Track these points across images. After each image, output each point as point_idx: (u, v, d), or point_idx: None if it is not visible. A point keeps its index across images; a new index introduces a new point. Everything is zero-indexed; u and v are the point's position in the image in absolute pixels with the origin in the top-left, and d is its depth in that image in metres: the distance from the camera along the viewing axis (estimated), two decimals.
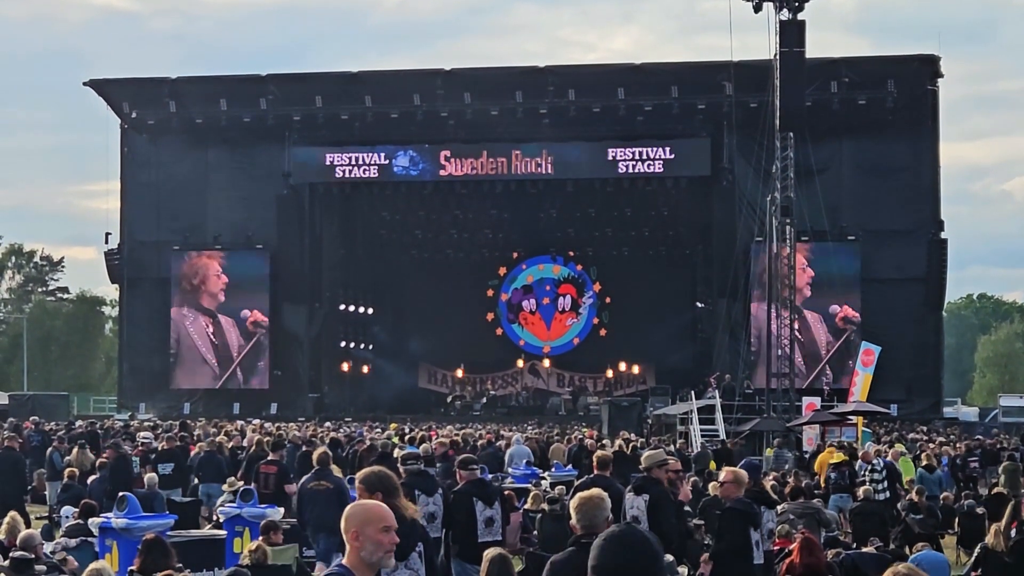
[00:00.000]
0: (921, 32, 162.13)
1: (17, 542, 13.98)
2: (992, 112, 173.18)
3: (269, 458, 21.91)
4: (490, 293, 69.68)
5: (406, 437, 31.38)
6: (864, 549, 18.24)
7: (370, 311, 66.20)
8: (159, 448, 26.74)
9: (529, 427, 46.40)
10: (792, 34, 43.63)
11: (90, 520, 17.34)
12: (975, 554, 16.52)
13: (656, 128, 55.12)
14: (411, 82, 56.55)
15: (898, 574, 5.82)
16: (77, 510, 18.46)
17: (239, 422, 44.16)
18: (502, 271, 69.65)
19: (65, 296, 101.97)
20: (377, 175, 57.33)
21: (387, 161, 56.94)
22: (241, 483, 21.07)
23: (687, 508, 17.45)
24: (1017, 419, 57.88)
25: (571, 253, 68.76)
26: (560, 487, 22.42)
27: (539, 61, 68.78)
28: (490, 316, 69.73)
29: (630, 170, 55.31)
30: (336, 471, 18.01)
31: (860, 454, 26.99)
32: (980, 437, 43.42)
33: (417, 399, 65.55)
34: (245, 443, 30.61)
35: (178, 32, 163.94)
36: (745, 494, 12.88)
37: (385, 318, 67.37)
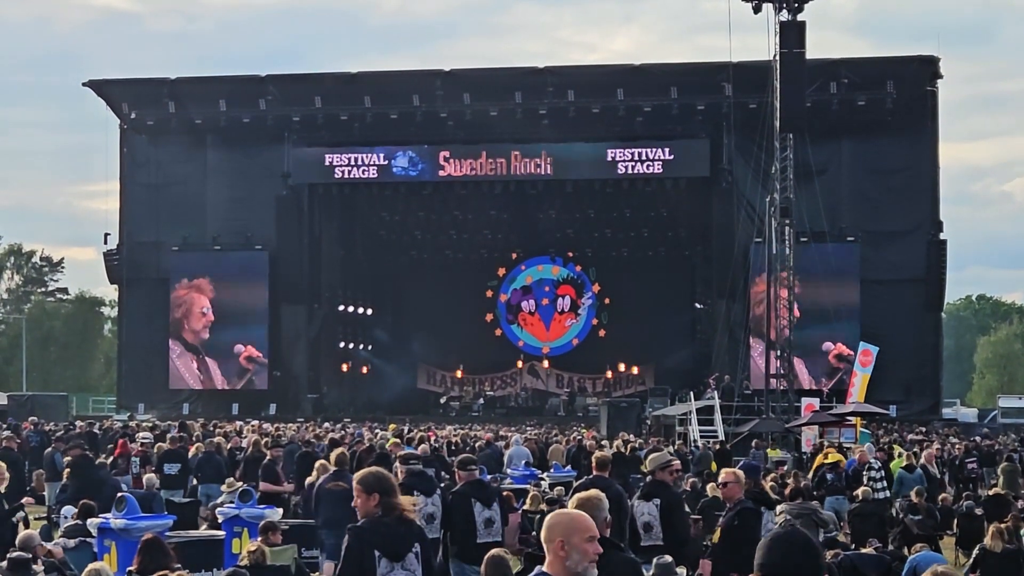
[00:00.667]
0: (921, 33, 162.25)
1: (16, 542, 13.97)
2: (992, 113, 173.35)
3: (268, 457, 21.97)
4: (489, 294, 69.69)
5: (404, 438, 31.38)
6: (863, 550, 18.25)
7: (369, 312, 66.19)
8: (165, 449, 26.72)
9: (528, 428, 46.41)
10: (792, 35, 43.61)
11: (89, 521, 17.33)
12: (974, 555, 16.55)
13: (655, 129, 55.12)
14: (410, 83, 56.56)
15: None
16: (76, 510, 18.44)
17: (238, 423, 44.19)
18: (501, 272, 69.65)
19: (64, 296, 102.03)
20: (376, 176, 57.34)
21: (386, 162, 56.94)
22: (240, 484, 21.07)
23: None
24: (1016, 420, 57.95)
25: (570, 254, 68.76)
26: (559, 488, 22.45)
27: (540, 62, 68.96)
28: (489, 317, 69.74)
29: (629, 171, 55.32)
30: None
31: (858, 456, 26.95)
32: (976, 438, 43.42)
33: (416, 400, 65.55)
34: (244, 444, 30.63)
35: (178, 33, 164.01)
36: (745, 495, 12.87)
37: (384, 319, 67.36)
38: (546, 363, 68.85)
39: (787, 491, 19.84)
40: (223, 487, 22.29)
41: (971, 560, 16.69)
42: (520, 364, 68.80)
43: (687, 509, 17.03)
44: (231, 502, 19.21)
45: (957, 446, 38.57)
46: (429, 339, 66.75)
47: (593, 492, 8.53)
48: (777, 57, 43.84)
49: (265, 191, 57.59)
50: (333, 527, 15.81)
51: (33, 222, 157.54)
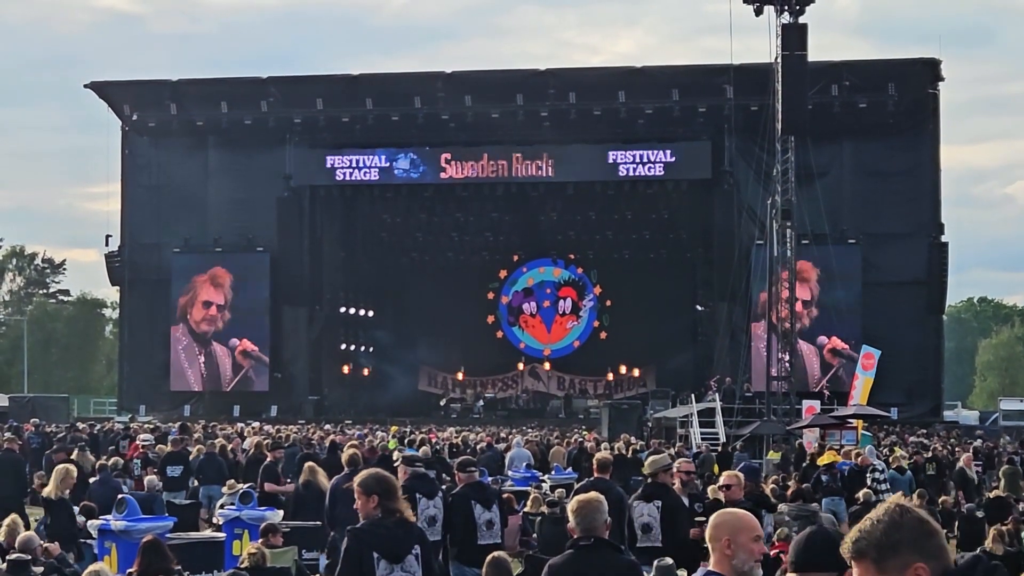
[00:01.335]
0: (922, 35, 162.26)
1: (16, 544, 13.97)
2: (995, 115, 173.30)
3: (268, 460, 21.97)
4: (490, 296, 69.71)
5: (406, 440, 31.40)
6: None
7: (370, 314, 66.17)
8: (168, 451, 26.72)
9: (529, 430, 46.41)
10: (793, 37, 43.59)
11: (89, 522, 17.33)
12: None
13: (657, 131, 55.13)
14: (412, 85, 56.58)
15: (1002, 532, 6.09)
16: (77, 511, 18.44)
17: (239, 424, 44.20)
18: (502, 274, 69.67)
19: (66, 298, 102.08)
20: (378, 178, 57.35)
21: (388, 164, 56.95)
22: (241, 485, 21.07)
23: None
24: (1017, 423, 57.90)
25: (571, 256, 68.78)
26: (560, 490, 22.42)
27: (542, 64, 68.97)
28: (490, 319, 69.76)
29: (631, 173, 55.35)
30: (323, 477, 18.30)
31: (859, 459, 26.94)
32: (970, 442, 43.38)
33: (417, 402, 65.52)
34: (245, 445, 30.65)
35: (181, 34, 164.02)
36: (745, 497, 12.87)
37: (385, 321, 67.33)
38: (547, 365, 68.83)
39: (788, 492, 19.88)
40: (224, 489, 22.29)
41: None
42: (521, 366, 68.79)
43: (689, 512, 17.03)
44: (232, 504, 19.21)
45: (957, 448, 38.53)
46: (430, 341, 66.76)
47: (593, 494, 8.54)
48: (778, 59, 43.82)
49: (266, 193, 57.59)
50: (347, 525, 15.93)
51: (35, 224, 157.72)
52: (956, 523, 23.22)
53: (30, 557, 13.42)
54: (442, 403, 65.32)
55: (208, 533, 19.40)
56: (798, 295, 47.01)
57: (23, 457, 26.21)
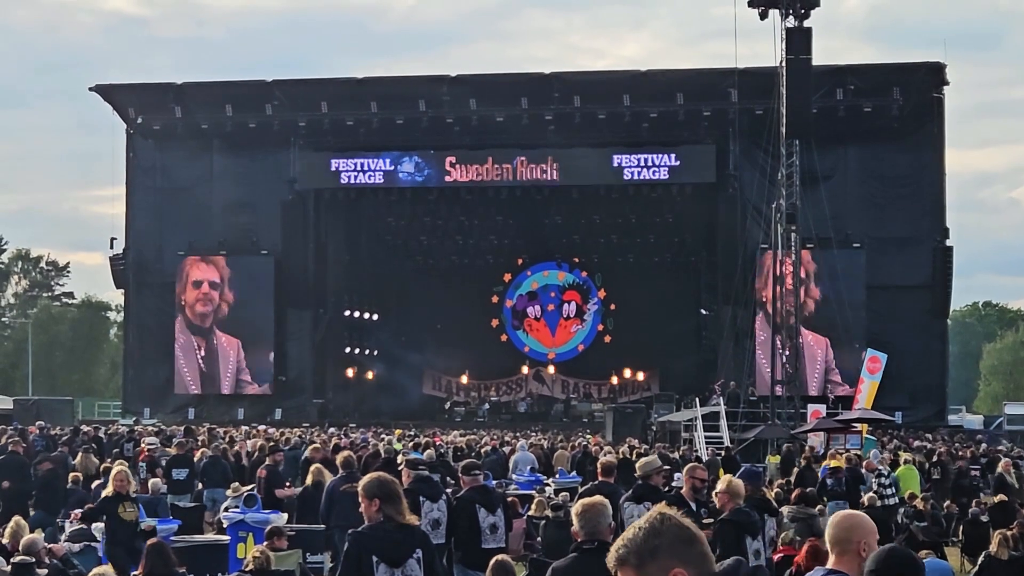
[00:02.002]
0: (928, 39, 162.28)
1: (20, 547, 13.99)
2: (1001, 120, 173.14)
3: (266, 463, 21.99)
4: (495, 299, 69.69)
5: (410, 443, 31.41)
6: None
7: (375, 317, 66.16)
8: (173, 454, 26.73)
9: (533, 433, 46.40)
10: (798, 41, 43.61)
11: (93, 525, 17.35)
12: (979, 562, 16.53)
13: (661, 135, 55.13)
14: (416, 88, 56.61)
15: (1007, 537, 6.45)
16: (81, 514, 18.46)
17: (243, 427, 44.22)
18: (507, 277, 69.65)
19: (71, 301, 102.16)
20: (382, 181, 57.38)
21: (392, 167, 56.99)
22: (245, 488, 21.09)
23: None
24: (1022, 427, 57.78)
25: (576, 259, 68.77)
26: (564, 493, 22.44)
27: (549, 68, 68.98)
28: (495, 322, 69.75)
29: (635, 177, 55.37)
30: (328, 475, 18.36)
31: (864, 463, 26.94)
32: (982, 445, 43.37)
33: (421, 405, 65.51)
34: (248, 448, 30.67)
35: (186, 38, 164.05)
36: (746, 502, 12.84)
37: (390, 324, 67.32)
38: (552, 369, 68.81)
39: (793, 496, 19.88)
40: (228, 492, 22.31)
41: (977, 567, 16.67)
42: (526, 370, 68.77)
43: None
44: (236, 507, 19.23)
45: (960, 453, 38.52)
46: (434, 344, 66.75)
47: (598, 498, 8.54)
48: (783, 63, 43.83)
49: (271, 196, 57.64)
50: (346, 529, 15.97)
51: (40, 226, 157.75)
52: (961, 527, 23.20)
53: (34, 559, 13.44)
54: (447, 406, 65.31)
55: (212, 536, 19.43)
56: (803, 299, 46.94)
57: (28, 460, 26.23)
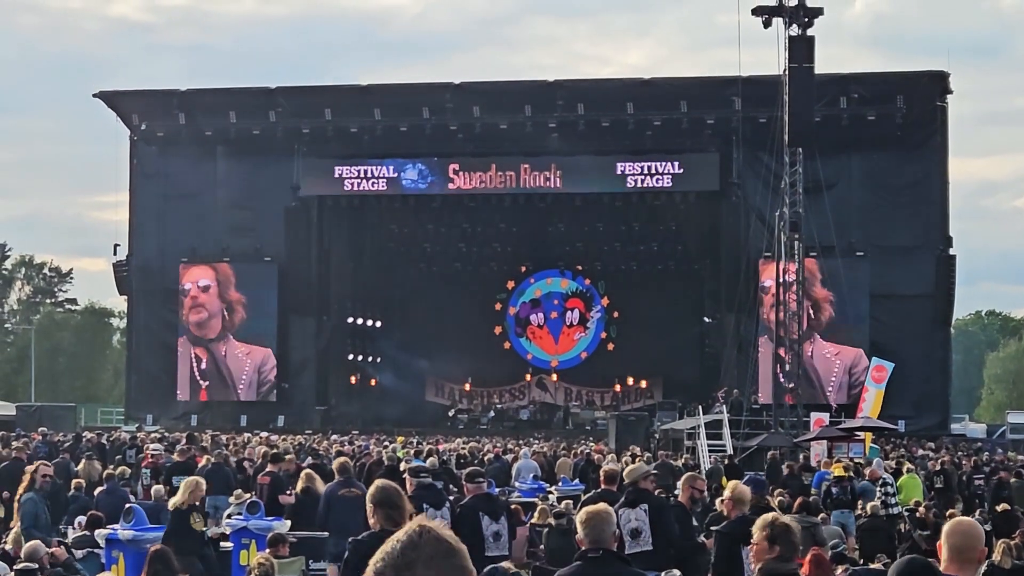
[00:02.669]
0: (932, 48, 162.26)
1: (22, 553, 13.99)
2: (1005, 128, 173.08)
3: (267, 470, 21.98)
4: (498, 307, 69.73)
5: (412, 451, 31.38)
6: (871, 565, 18.20)
7: (378, 324, 66.20)
8: (174, 461, 26.72)
9: (536, 441, 46.40)
10: (801, 50, 43.60)
11: (97, 531, 17.36)
12: (982, 572, 16.48)
13: (665, 142, 55.15)
14: (420, 95, 56.65)
15: (1010, 547, 6.58)
16: (84, 520, 18.46)
17: (246, 434, 44.22)
18: (510, 285, 69.69)
19: (74, 307, 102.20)
20: (386, 188, 57.41)
21: (396, 174, 57.02)
22: (248, 495, 21.08)
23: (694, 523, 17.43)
24: None
25: (579, 267, 68.81)
26: (567, 501, 22.41)
27: (554, 75, 68.93)
28: (498, 330, 69.77)
29: (639, 184, 55.38)
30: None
31: (867, 472, 26.92)
32: (985, 454, 43.31)
33: (424, 412, 65.51)
34: (248, 454, 30.66)
35: (191, 44, 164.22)
36: (751, 510, 12.82)
37: (393, 331, 67.36)
38: (555, 376, 68.82)
39: (795, 504, 19.88)
40: (231, 499, 22.30)
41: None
42: (529, 377, 68.79)
43: (695, 524, 17.02)
44: (239, 514, 19.22)
45: (964, 462, 38.46)
46: (438, 352, 66.72)
47: (602, 506, 8.55)
48: (786, 72, 43.83)
49: (274, 203, 57.65)
50: (343, 534, 16.02)
51: (43, 233, 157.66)
52: None
53: (37, 566, 13.44)
54: (451, 413, 65.30)
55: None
56: (806, 306, 46.94)
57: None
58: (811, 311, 50.92)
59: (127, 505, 17.92)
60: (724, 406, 45.76)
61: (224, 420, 55.41)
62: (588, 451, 37.45)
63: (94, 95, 59.73)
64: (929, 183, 54.82)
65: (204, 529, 16.74)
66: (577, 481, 29.13)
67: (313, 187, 58.03)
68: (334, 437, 44.64)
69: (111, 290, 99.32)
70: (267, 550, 15.55)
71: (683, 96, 54.61)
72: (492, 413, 64.64)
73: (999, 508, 25.26)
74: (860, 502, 24.87)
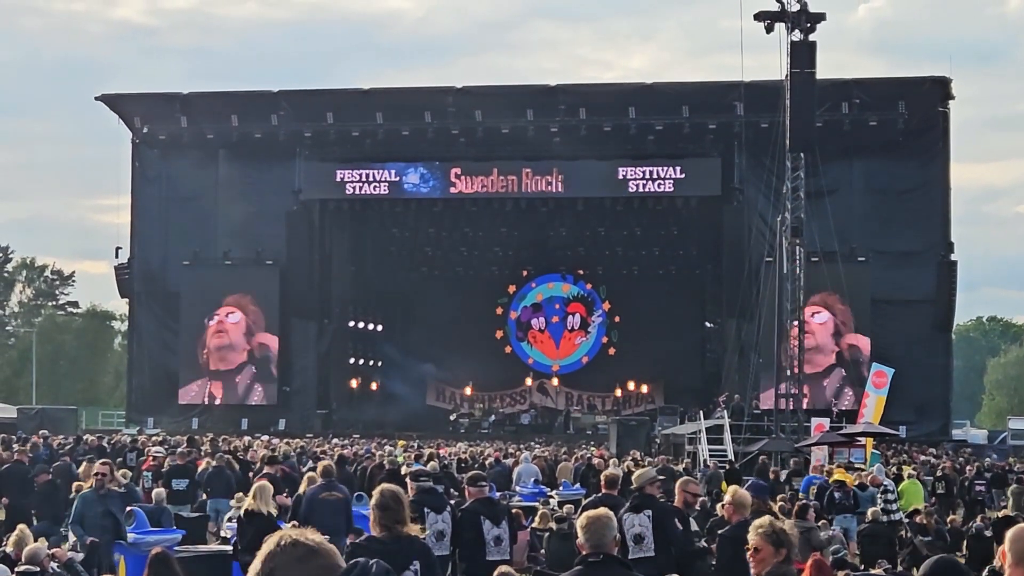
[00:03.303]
0: (935, 54, 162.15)
1: (23, 555, 13.99)
2: (1007, 134, 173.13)
3: (264, 471, 21.97)
4: (499, 311, 69.73)
5: (413, 455, 31.39)
6: (872, 571, 18.19)
7: (379, 328, 66.22)
8: (173, 464, 26.70)
9: (536, 445, 46.39)
10: (803, 55, 43.57)
11: None
12: None
13: (667, 147, 55.17)
14: (422, 99, 56.67)
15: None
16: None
17: (246, 437, 44.20)
18: (511, 289, 69.69)
19: (75, 310, 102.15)
20: (387, 192, 57.44)
21: (397, 178, 57.03)
22: (249, 499, 21.06)
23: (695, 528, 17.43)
24: None
25: (580, 271, 68.81)
26: (568, 506, 22.41)
27: (557, 79, 68.98)
28: (499, 334, 69.77)
29: (640, 189, 55.39)
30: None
31: (870, 478, 26.90)
32: (987, 460, 43.27)
33: (425, 416, 65.46)
34: (250, 457, 30.63)
35: (196, 47, 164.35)
36: (752, 515, 12.81)
37: (394, 335, 67.37)
38: (556, 381, 68.80)
39: (795, 508, 19.88)
40: (232, 502, 22.29)
41: None
42: (529, 382, 68.76)
43: (696, 529, 17.03)
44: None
45: (966, 467, 38.45)
46: (439, 356, 66.71)
47: (603, 510, 8.55)
48: (788, 77, 43.81)
49: (276, 206, 57.68)
50: (327, 536, 16.07)
51: (45, 235, 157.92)
52: (965, 542, 23.16)
53: (38, 568, 13.44)
54: (452, 417, 65.28)
55: (216, 546, 19.41)
56: (808, 312, 46.91)
57: (30, 469, 26.22)
58: (812, 315, 50.88)
59: (128, 508, 17.91)
60: (725, 411, 45.75)
61: (225, 423, 55.39)
62: (589, 456, 37.44)
63: (96, 98, 59.82)
64: (931, 189, 54.85)
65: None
66: (578, 485, 29.14)
67: (315, 191, 58.07)
68: (335, 441, 44.63)
69: (112, 293, 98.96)
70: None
71: (685, 101, 54.63)
72: (493, 417, 64.61)
73: (1000, 514, 25.26)
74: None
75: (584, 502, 16.53)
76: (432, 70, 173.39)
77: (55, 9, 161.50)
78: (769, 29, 43.51)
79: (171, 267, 58.73)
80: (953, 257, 54.74)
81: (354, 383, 64.01)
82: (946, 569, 5.78)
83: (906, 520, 24.52)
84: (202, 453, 31.27)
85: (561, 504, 24.03)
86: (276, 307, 58.19)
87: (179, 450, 29.55)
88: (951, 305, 55.08)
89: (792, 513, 19.68)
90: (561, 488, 28.59)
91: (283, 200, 57.78)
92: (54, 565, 14.52)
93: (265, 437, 43.95)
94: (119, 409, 71.80)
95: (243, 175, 58.20)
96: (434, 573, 9.27)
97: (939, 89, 54.11)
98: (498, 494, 21.56)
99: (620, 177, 55.50)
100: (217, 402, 58.23)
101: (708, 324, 61.94)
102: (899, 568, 19.97)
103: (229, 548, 18.06)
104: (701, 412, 46.45)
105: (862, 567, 19.10)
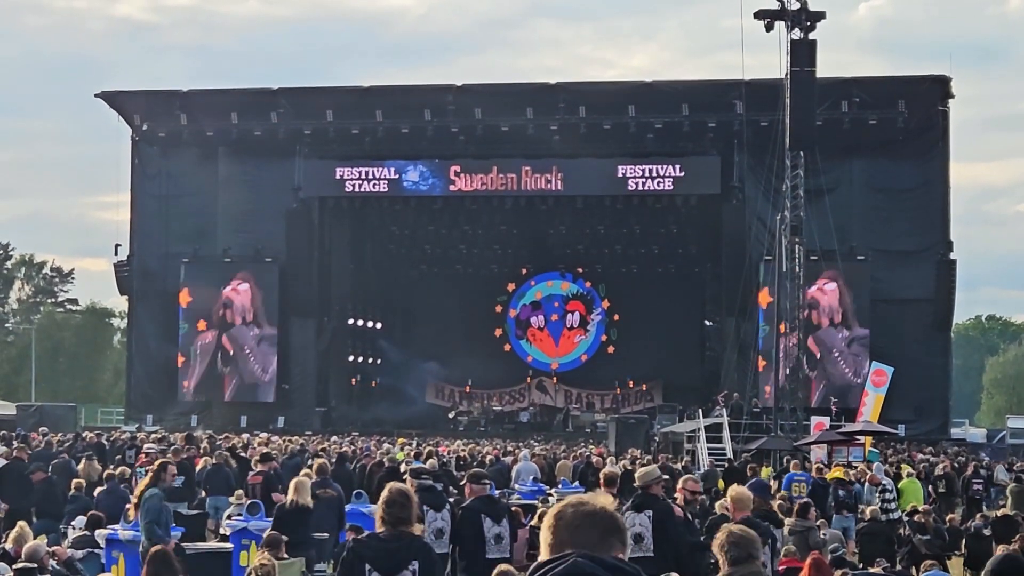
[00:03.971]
0: (935, 52, 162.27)
1: (23, 553, 14.00)
2: (1007, 133, 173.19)
3: (257, 469, 21.98)
4: (498, 309, 69.69)
5: (412, 452, 31.36)
6: (871, 570, 18.21)
7: (378, 326, 66.20)
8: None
9: (535, 443, 46.39)
10: (802, 54, 43.55)
11: (97, 532, 17.36)
12: None
13: (666, 146, 55.16)
14: (422, 97, 56.66)
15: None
16: (85, 520, 18.46)
17: (245, 435, 44.18)
18: (511, 287, 69.66)
19: (74, 307, 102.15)
20: (387, 189, 57.40)
21: (397, 176, 57.00)
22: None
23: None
24: None
25: (580, 270, 68.78)
26: None
27: (557, 78, 68.98)
28: (498, 332, 69.74)
29: (640, 187, 55.35)
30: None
31: (868, 477, 26.93)
32: (984, 458, 43.30)
33: (424, 414, 65.41)
34: (250, 454, 30.63)
35: (196, 45, 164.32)
36: (754, 514, 12.84)
37: (393, 333, 67.36)
38: (555, 379, 68.77)
39: (795, 507, 19.89)
40: (231, 499, 22.30)
41: None
42: (529, 380, 68.72)
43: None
44: (239, 514, 19.22)
45: (966, 466, 38.46)
46: (438, 354, 66.63)
47: None
48: (788, 75, 43.80)
49: (276, 204, 57.65)
50: (324, 534, 16.23)
51: (44, 233, 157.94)
52: (963, 541, 23.18)
53: (37, 565, 13.45)
54: (451, 415, 65.26)
55: (215, 544, 19.42)
56: (809, 310, 46.91)
57: (30, 466, 26.21)
58: (811, 315, 50.87)
59: (127, 505, 17.91)
60: (724, 409, 45.76)
61: (224, 421, 55.35)
62: (588, 454, 37.46)
63: (96, 95, 59.75)
64: (930, 188, 54.84)
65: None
66: (577, 484, 29.11)
67: (314, 188, 58.06)
68: (334, 439, 44.61)
69: (112, 290, 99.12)
70: (264, 551, 15.53)
71: (684, 99, 54.62)
72: (492, 415, 64.58)
73: (998, 513, 25.28)
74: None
75: None
76: (432, 68, 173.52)
77: (57, 6, 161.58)
78: (769, 28, 43.49)
79: (170, 264, 58.69)
80: (952, 256, 54.75)
81: (353, 381, 64.02)
82: (1012, 566, 5.84)
83: (905, 519, 24.52)
84: (200, 451, 31.26)
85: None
86: (276, 304, 58.16)
87: (175, 447, 29.53)
88: (950, 304, 55.08)
89: (792, 512, 19.71)
90: (560, 486, 28.57)
91: (283, 198, 57.76)
92: (54, 563, 14.53)
93: (264, 434, 43.97)
94: (118, 406, 71.75)
95: (243, 172, 58.17)
96: (433, 571, 9.27)
97: (939, 88, 54.10)
98: (497, 492, 21.55)
99: (620, 175, 55.47)
100: (216, 399, 58.20)
101: (707, 323, 61.91)
102: (898, 567, 19.96)
103: (229, 546, 18.09)
104: (700, 410, 46.44)
105: (861, 566, 19.10)
